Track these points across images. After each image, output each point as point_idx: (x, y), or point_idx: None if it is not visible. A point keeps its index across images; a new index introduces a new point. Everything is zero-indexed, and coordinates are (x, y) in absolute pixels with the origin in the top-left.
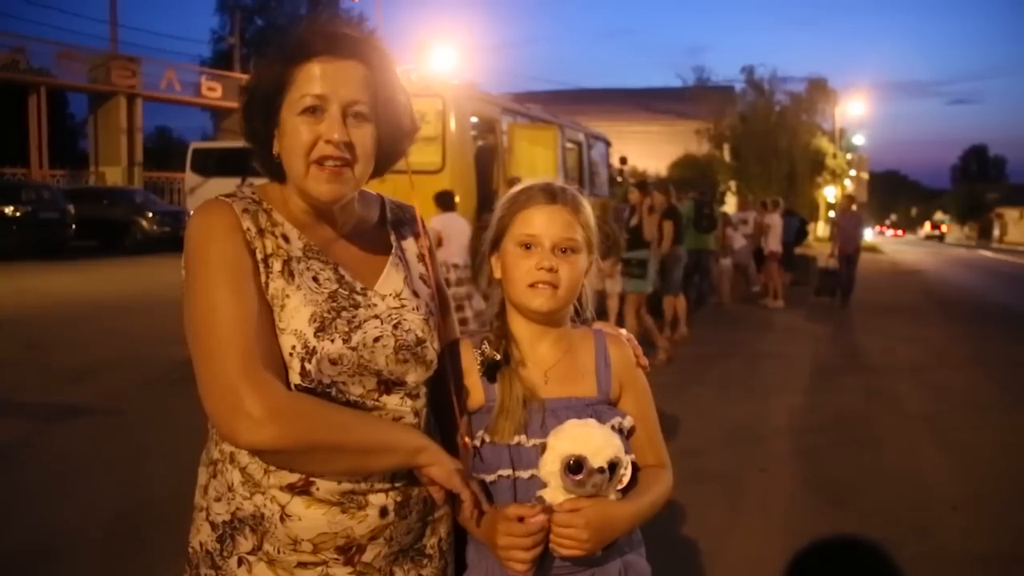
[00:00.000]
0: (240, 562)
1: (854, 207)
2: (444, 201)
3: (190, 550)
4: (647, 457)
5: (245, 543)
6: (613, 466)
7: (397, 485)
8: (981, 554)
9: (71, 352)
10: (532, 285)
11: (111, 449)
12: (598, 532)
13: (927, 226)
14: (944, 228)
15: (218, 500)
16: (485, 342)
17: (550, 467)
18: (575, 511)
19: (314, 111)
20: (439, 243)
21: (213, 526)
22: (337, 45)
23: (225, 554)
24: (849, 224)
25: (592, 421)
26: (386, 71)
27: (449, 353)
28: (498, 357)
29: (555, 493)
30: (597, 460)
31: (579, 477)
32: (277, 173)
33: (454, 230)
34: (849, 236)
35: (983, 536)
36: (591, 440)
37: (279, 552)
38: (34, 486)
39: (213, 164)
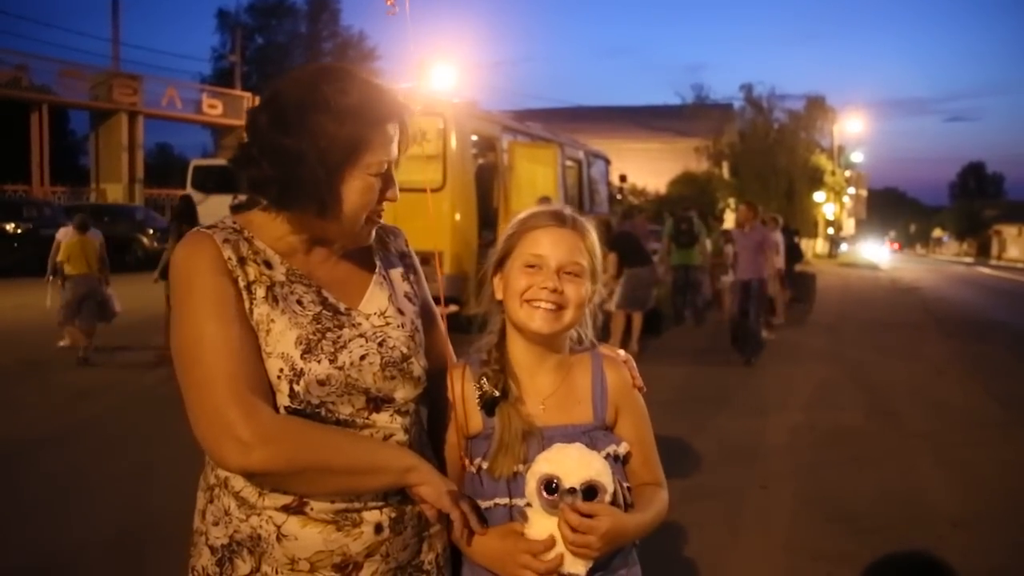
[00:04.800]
0: None
1: (760, 220)
2: (74, 213)
3: (191, 574)
4: (644, 478)
5: (243, 565)
6: (591, 489)
7: (391, 502)
8: (981, 571)
9: (72, 369)
10: (533, 303)
11: (113, 466)
12: (609, 542)
13: (888, 243)
14: (897, 245)
15: (216, 524)
16: (484, 378)
17: (530, 487)
18: (594, 516)
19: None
20: (58, 252)
21: (212, 550)
22: None
23: None
24: (750, 242)
25: (576, 444)
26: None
27: (449, 375)
28: (497, 394)
29: (536, 514)
30: (569, 480)
31: (552, 497)
32: (300, 199)
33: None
34: (750, 260)
35: (983, 553)
36: (564, 461)
37: (277, 572)
38: (36, 503)
39: (214, 181)
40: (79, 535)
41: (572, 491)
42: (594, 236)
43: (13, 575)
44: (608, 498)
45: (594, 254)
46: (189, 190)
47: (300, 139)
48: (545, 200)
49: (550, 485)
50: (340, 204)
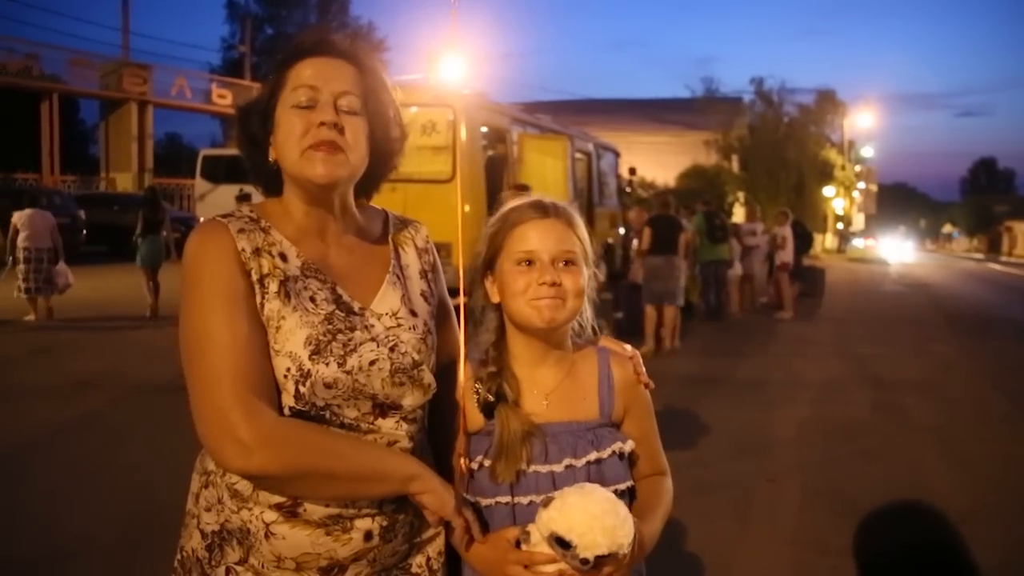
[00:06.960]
0: (228, 572)
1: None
2: (29, 198)
3: (181, 555)
4: (648, 470)
5: (233, 554)
6: (603, 556)
7: (385, 510)
8: (988, 565)
9: (81, 358)
10: (535, 303)
11: (121, 455)
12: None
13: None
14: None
15: (208, 510)
16: (479, 382)
17: (542, 528)
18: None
19: (307, 104)
20: (16, 233)
21: (203, 535)
22: (327, 46)
23: (213, 563)
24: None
25: (609, 510)
26: (375, 76)
27: (450, 373)
28: (491, 399)
29: (540, 539)
30: (584, 552)
31: (562, 551)
32: (273, 183)
33: (37, 221)
34: None
35: (991, 548)
36: (587, 533)
37: (263, 567)
38: (44, 491)
39: (223, 171)
40: (87, 523)
41: (584, 561)
42: (580, 221)
43: (21, 564)
44: (623, 557)
45: (584, 240)
46: (198, 180)
47: (249, 117)
48: (521, 188)
49: (563, 542)
50: (272, 160)
